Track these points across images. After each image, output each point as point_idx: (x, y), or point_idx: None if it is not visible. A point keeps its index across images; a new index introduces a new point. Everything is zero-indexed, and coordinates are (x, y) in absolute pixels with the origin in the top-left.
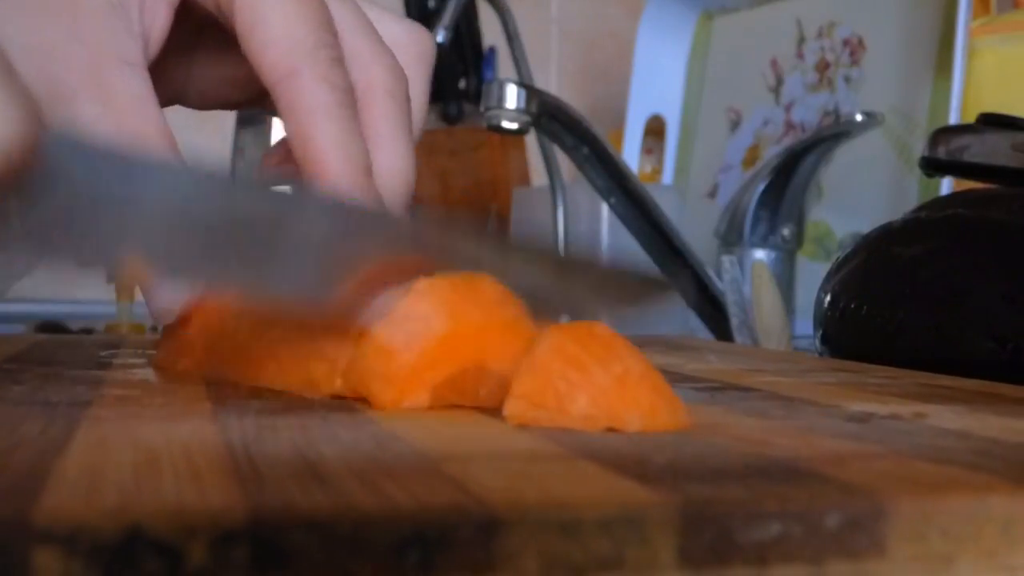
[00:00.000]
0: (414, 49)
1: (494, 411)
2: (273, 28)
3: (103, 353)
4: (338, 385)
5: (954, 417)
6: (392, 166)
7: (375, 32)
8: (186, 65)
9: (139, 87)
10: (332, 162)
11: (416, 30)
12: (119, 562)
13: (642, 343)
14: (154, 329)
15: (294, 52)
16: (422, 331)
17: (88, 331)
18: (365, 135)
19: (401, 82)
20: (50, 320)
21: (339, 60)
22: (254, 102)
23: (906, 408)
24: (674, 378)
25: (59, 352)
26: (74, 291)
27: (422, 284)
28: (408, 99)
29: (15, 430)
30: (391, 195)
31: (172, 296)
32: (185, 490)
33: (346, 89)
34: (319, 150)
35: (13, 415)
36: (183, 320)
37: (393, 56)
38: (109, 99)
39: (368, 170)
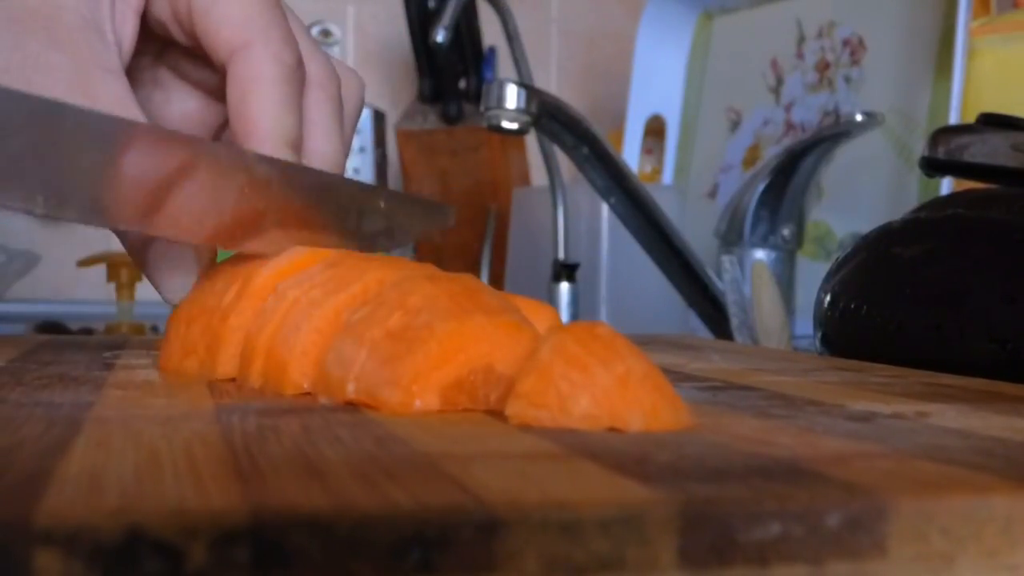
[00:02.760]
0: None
1: (497, 412)
2: (229, 8)
3: (107, 354)
4: (351, 391)
5: (957, 416)
6: (322, 151)
7: (311, 36)
8: (144, 104)
9: (121, 90)
10: (261, 128)
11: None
12: (120, 563)
13: (645, 342)
14: (155, 329)
15: (247, 28)
16: (425, 334)
17: (88, 331)
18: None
19: (334, 80)
20: (50, 320)
21: (289, 40)
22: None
23: (909, 407)
24: (676, 377)
25: (63, 353)
26: (74, 291)
27: (416, 299)
28: (340, 98)
29: (17, 431)
30: None
31: (182, 283)
32: (186, 491)
33: (293, 67)
34: (251, 116)
35: (16, 416)
36: (186, 320)
37: (328, 59)
38: (94, 103)
39: (295, 144)
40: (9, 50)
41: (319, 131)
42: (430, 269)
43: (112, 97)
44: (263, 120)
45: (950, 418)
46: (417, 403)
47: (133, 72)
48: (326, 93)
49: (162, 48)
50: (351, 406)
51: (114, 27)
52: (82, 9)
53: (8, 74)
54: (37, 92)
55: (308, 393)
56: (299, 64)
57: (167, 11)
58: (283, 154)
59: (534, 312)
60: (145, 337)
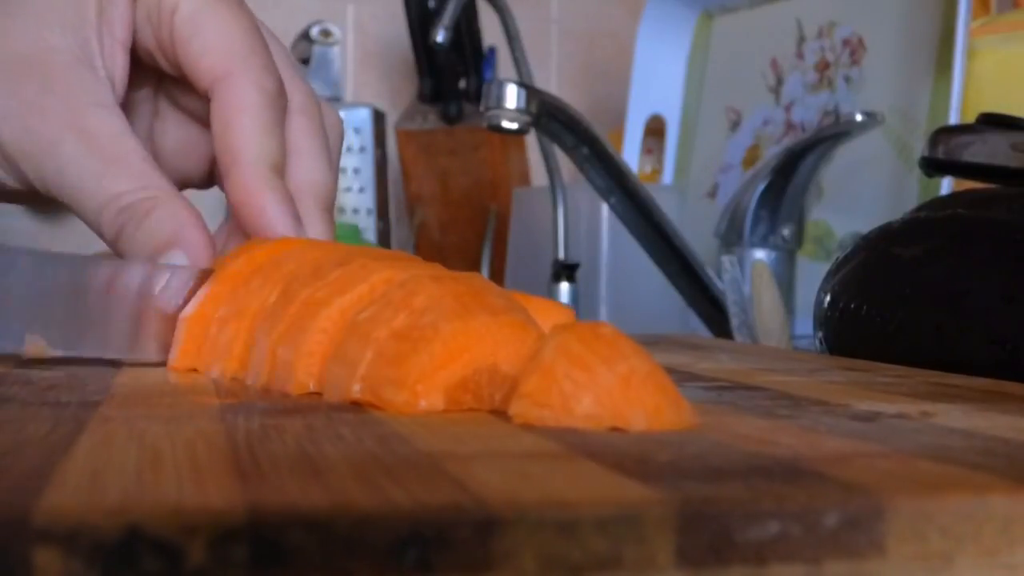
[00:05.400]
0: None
1: (502, 412)
2: (209, 36)
3: None
4: (356, 391)
5: (961, 416)
6: (309, 177)
7: (295, 64)
8: (145, 136)
9: (115, 123)
10: (244, 155)
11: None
12: (119, 561)
13: (652, 342)
14: None
15: (228, 57)
16: (430, 334)
17: None
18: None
19: (315, 107)
20: None
21: (270, 67)
22: (211, 178)
23: (914, 407)
24: (683, 377)
25: None
26: None
27: (421, 299)
28: (323, 126)
29: (22, 430)
30: (308, 203)
31: None
32: (186, 489)
33: (274, 94)
34: (234, 145)
35: (22, 415)
36: (219, 322)
37: (310, 87)
38: (90, 139)
39: (278, 168)
40: (6, 97)
41: (306, 158)
42: (436, 269)
43: (106, 130)
44: (246, 147)
45: (955, 418)
46: (422, 403)
47: (133, 104)
48: (309, 119)
49: (160, 79)
50: (356, 406)
51: (104, 62)
52: (73, 49)
53: (7, 121)
54: (35, 134)
55: (314, 393)
56: (280, 91)
57: (152, 41)
58: (268, 178)
59: (547, 312)
60: None
